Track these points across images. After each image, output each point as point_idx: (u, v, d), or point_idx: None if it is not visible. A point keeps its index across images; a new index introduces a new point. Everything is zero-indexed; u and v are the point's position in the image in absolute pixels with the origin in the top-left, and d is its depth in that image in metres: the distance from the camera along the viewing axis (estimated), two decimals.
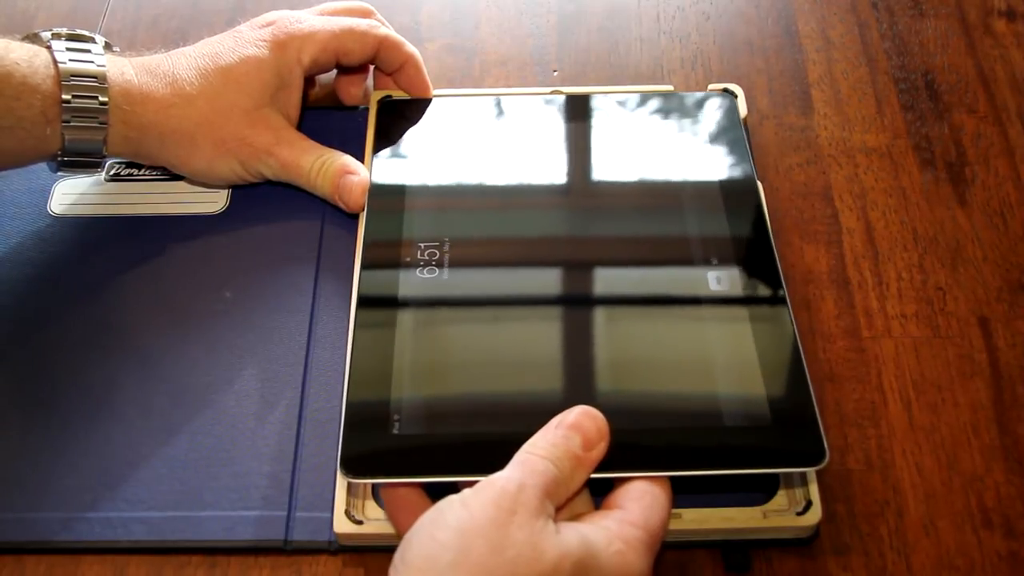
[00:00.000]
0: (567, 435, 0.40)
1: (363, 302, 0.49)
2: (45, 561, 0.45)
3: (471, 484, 0.39)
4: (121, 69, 0.51)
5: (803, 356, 0.47)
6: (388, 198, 0.54)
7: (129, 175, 0.57)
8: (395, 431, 0.45)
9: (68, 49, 0.50)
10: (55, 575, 0.45)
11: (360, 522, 0.45)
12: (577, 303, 0.51)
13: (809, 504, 0.44)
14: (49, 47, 0.50)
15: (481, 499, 0.37)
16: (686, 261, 0.51)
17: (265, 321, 0.52)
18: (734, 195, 0.54)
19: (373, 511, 0.45)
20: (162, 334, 0.51)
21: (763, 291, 0.49)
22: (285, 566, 0.45)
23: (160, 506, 0.46)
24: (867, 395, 0.50)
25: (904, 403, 0.49)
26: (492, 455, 0.41)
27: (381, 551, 0.45)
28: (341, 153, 0.54)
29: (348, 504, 0.45)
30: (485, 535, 0.36)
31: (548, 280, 0.52)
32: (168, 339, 0.51)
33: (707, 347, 0.48)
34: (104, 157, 0.51)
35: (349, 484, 0.45)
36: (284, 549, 0.45)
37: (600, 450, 0.41)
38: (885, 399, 0.50)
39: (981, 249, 0.54)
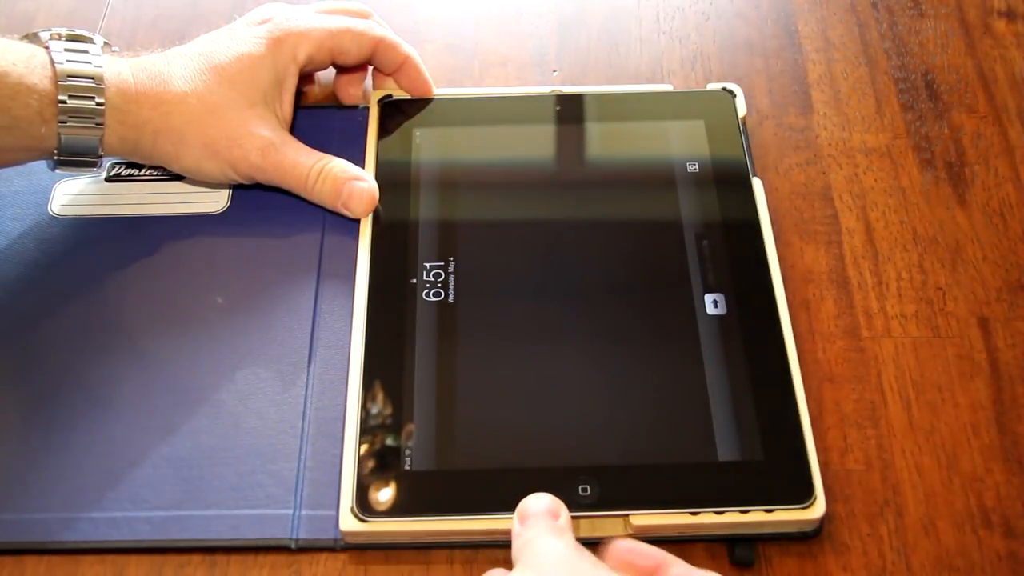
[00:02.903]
0: (533, 520, 0.41)
1: (371, 326, 0.49)
2: (45, 561, 0.45)
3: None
4: (118, 69, 0.51)
5: (797, 388, 0.47)
6: (393, 203, 0.54)
7: (129, 175, 0.57)
8: (407, 467, 0.45)
9: (66, 50, 0.50)
10: (55, 575, 0.45)
11: (366, 520, 0.44)
12: (580, 332, 0.50)
13: (814, 498, 0.45)
14: (47, 47, 0.50)
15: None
16: (683, 275, 0.51)
17: (267, 320, 0.51)
18: (732, 195, 0.54)
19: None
20: (163, 334, 0.51)
21: (760, 308, 0.50)
22: (285, 565, 0.45)
23: (164, 505, 0.46)
24: (867, 395, 0.50)
25: (904, 403, 0.50)
26: (508, 491, 0.41)
27: (385, 549, 0.45)
28: (338, 158, 0.54)
29: (354, 502, 0.45)
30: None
31: (554, 299, 0.51)
32: (169, 339, 0.51)
33: (702, 377, 0.48)
34: (100, 156, 0.51)
35: (355, 481, 0.45)
36: (290, 548, 0.45)
37: (565, 515, 0.41)
38: (885, 399, 0.50)
39: (981, 249, 0.54)
